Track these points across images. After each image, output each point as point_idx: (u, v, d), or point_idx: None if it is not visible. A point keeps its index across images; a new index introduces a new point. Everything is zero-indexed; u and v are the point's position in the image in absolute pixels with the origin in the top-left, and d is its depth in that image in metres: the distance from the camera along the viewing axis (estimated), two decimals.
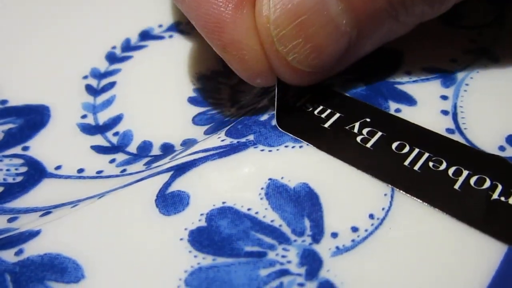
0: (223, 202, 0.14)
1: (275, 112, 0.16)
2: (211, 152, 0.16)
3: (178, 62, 0.22)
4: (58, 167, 0.17)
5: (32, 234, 0.14)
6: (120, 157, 0.18)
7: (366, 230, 0.13)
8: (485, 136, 0.15)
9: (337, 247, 0.13)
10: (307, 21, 0.15)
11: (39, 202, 0.16)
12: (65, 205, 0.15)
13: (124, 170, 0.17)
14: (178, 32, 0.23)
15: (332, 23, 0.15)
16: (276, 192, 0.14)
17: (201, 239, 0.13)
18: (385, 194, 0.14)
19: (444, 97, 0.17)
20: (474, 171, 0.14)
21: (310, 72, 0.16)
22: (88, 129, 0.19)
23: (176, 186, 0.15)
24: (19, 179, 0.17)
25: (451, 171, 0.14)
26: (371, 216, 0.13)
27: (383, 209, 0.14)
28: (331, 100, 0.17)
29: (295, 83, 0.16)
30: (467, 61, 0.18)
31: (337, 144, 0.15)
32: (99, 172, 0.17)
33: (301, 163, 0.15)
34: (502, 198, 0.13)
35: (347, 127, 0.16)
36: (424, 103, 0.17)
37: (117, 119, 0.19)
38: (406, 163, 0.15)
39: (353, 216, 0.13)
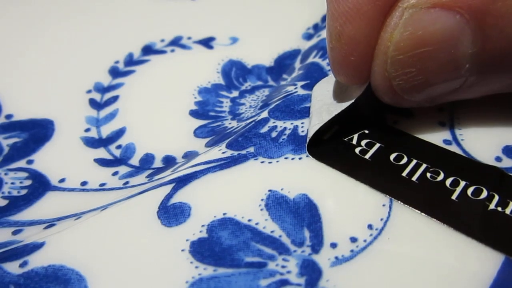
0: (224, 213, 0.14)
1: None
2: (212, 164, 0.16)
3: (180, 76, 0.22)
4: (62, 180, 0.18)
5: (36, 246, 0.14)
6: (123, 169, 0.18)
7: (365, 241, 0.13)
8: (482, 147, 0.16)
9: (336, 258, 0.13)
10: (429, 53, 0.13)
11: (43, 215, 0.16)
12: (69, 217, 0.16)
13: (127, 182, 0.17)
14: (179, 47, 0.23)
15: (454, 63, 0.14)
16: (276, 203, 0.14)
17: (202, 250, 0.13)
18: (384, 205, 0.14)
19: (441, 109, 0.17)
20: (471, 181, 0.14)
21: (407, 99, 0.15)
22: (92, 142, 0.19)
23: (177, 197, 0.15)
24: (23, 192, 0.17)
25: (448, 181, 0.14)
26: (370, 227, 0.14)
27: (381, 219, 0.14)
28: (333, 118, 0.17)
29: (385, 101, 0.16)
30: None
31: (336, 155, 0.16)
32: (102, 184, 0.17)
33: (301, 174, 0.15)
34: (499, 208, 0.14)
35: (345, 139, 0.16)
36: (421, 114, 0.17)
37: (120, 132, 0.19)
38: (404, 174, 0.15)
39: (352, 226, 0.14)
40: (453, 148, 0.16)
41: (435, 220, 0.14)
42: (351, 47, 0.14)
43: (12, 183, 0.18)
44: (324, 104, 0.16)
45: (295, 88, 0.19)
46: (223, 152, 0.16)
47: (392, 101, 0.15)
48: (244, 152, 0.16)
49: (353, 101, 0.16)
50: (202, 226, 0.14)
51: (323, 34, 0.22)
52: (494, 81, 0.15)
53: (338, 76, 0.15)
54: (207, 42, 0.24)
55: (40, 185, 0.17)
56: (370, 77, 0.15)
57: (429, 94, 0.15)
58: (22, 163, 0.18)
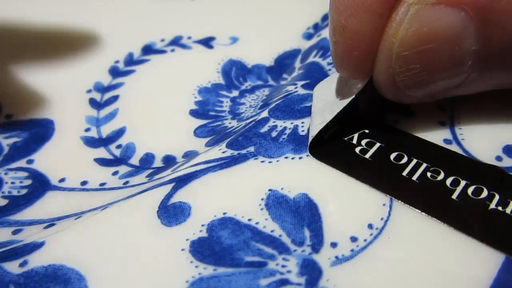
0: (224, 213, 0.14)
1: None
2: (212, 164, 0.16)
3: (180, 76, 0.22)
4: (62, 180, 0.18)
5: (36, 246, 0.14)
6: (123, 169, 0.18)
7: (365, 240, 0.13)
8: (482, 147, 0.15)
9: (337, 257, 0.13)
10: (434, 50, 0.14)
11: (43, 214, 0.16)
12: (69, 217, 0.16)
13: (127, 182, 0.17)
14: (179, 46, 0.23)
15: (457, 60, 0.14)
16: (276, 202, 0.14)
17: (202, 249, 0.13)
18: (384, 204, 0.14)
19: (441, 108, 0.17)
20: (471, 181, 0.14)
21: (409, 95, 0.15)
22: (92, 142, 0.19)
23: (177, 197, 0.15)
24: (23, 191, 0.17)
25: (449, 181, 0.14)
26: (370, 226, 0.14)
27: (381, 219, 0.14)
28: (335, 116, 0.17)
29: (387, 97, 0.16)
30: None
31: (336, 155, 0.16)
32: (102, 184, 0.17)
33: (301, 174, 0.15)
34: (500, 208, 0.14)
35: (346, 138, 0.16)
36: (422, 114, 0.17)
37: (120, 132, 0.19)
38: (405, 173, 0.15)
39: (352, 226, 0.14)
40: (454, 147, 0.16)
41: (435, 219, 0.13)
42: (355, 42, 0.14)
43: (12, 183, 0.18)
44: (327, 103, 0.16)
45: (295, 88, 0.19)
46: (223, 152, 0.16)
47: (394, 97, 0.15)
48: (244, 151, 0.16)
49: (354, 96, 0.16)
50: (202, 225, 0.14)
51: (323, 33, 0.22)
52: (495, 77, 0.15)
53: (341, 70, 0.15)
54: (207, 42, 0.24)
55: (40, 185, 0.17)
56: (372, 72, 0.15)
57: (431, 90, 0.15)
58: (22, 163, 0.18)
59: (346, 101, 0.16)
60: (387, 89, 0.15)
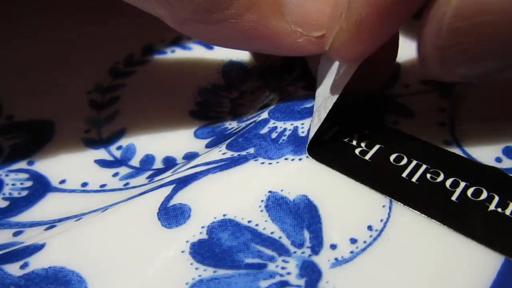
0: (224, 215, 0.14)
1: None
2: (212, 165, 0.16)
3: (180, 77, 0.22)
4: (62, 181, 0.18)
5: (37, 248, 0.14)
6: (123, 170, 0.18)
7: (364, 242, 0.13)
8: (482, 148, 0.16)
9: (336, 259, 0.13)
10: (492, 23, 0.12)
11: (44, 216, 0.16)
12: (69, 218, 0.16)
13: (127, 183, 0.17)
14: (179, 47, 0.23)
15: None
16: (276, 204, 0.14)
17: (202, 251, 0.13)
18: (384, 206, 0.14)
19: (441, 110, 0.17)
20: (471, 182, 0.14)
21: (457, 73, 0.14)
22: (92, 143, 0.19)
23: (177, 199, 0.15)
24: (24, 193, 0.17)
25: (448, 182, 0.14)
26: (370, 228, 0.14)
27: (381, 220, 0.14)
28: (329, 113, 0.17)
29: (429, 73, 0.14)
30: None
31: (336, 156, 0.16)
32: (103, 185, 0.17)
33: (301, 175, 0.15)
34: (499, 209, 0.14)
35: (345, 140, 0.16)
36: (421, 115, 0.17)
37: (120, 133, 0.19)
38: (404, 175, 0.15)
39: (352, 227, 0.14)
40: (453, 149, 0.16)
41: (435, 221, 0.13)
42: (366, 39, 0.13)
43: (13, 185, 0.18)
44: (323, 100, 0.16)
45: (296, 89, 0.19)
46: (223, 153, 0.16)
47: (438, 74, 0.14)
48: (244, 153, 0.16)
49: (341, 91, 0.15)
50: (202, 227, 0.14)
51: None
52: None
53: (330, 50, 0.15)
54: None
55: (40, 186, 0.17)
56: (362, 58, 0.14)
57: (483, 69, 0.13)
58: (22, 164, 0.18)
59: (335, 96, 0.15)
60: (432, 64, 0.14)
